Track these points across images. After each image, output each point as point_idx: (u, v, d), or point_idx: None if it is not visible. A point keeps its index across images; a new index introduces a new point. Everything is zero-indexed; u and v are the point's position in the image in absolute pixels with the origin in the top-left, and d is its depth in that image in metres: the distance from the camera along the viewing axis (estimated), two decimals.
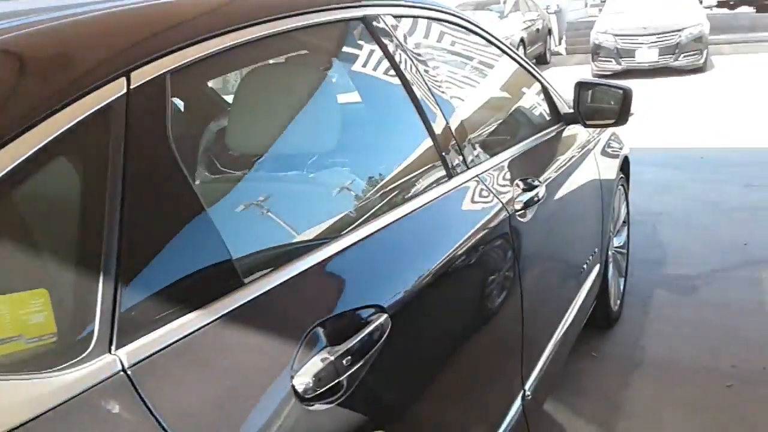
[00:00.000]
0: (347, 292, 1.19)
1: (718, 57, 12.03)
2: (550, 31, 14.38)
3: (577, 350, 2.58)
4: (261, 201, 1.31)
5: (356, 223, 1.31)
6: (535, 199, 1.81)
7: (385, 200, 1.46)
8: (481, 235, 1.58)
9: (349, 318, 1.13)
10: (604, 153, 2.85)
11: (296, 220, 1.28)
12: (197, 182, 1.29)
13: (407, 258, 1.37)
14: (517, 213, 1.75)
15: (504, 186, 1.78)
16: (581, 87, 2.35)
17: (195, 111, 1.71)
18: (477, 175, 1.70)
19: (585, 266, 2.49)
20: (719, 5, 17.10)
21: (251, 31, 1.18)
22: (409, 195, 1.49)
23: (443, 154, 1.61)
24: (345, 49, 1.63)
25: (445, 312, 1.45)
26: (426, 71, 1.67)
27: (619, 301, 3.23)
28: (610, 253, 3.01)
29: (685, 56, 11.02)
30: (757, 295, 3.34)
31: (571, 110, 2.42)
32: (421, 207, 1.46)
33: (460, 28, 2.05)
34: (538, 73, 2.42)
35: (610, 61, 11.39)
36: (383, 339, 1.14)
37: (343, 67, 1.67)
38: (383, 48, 1.55)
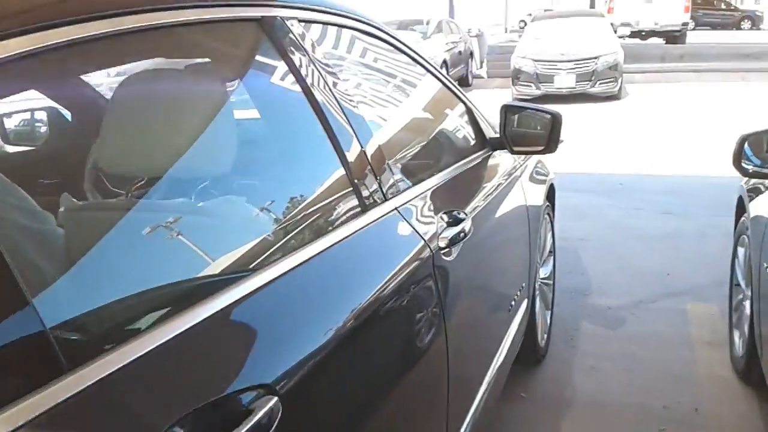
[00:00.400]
0: (224, 368, 0.92)
1: (632, 85, 12.37)
2: (471, 54, 14.50)
3: (505, 391, 2.39)
4: (124, 241, 1.02)
5: (243, 272, 1.04)
6: (461, 234, 1.59)
7: (283, 241, 1.20)
8: (400, 279, 1.34)
9: (224, 406, 0.86)
10: (530, 181, 2.69)
11: (162, 270, 1.00)
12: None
13: (308, 314, 1.11)
14: (442, 251, 1.52)
15: (427, 220, 1.56)
16: (508, 110, 2.16)
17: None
18: (396, 208, 1.46)
19: (513, 303, 2.30)
20: (632, 35, 17.73)
21: (103, 25, 0.91)
22: (313, 234, 1.24)
23: (356, 182, 1.36)
24: (236, 54, 1.35)
25: (357, 379, 1.19)
26: (337, 86, 1.43)
27: (546, 335, 3.07)
28: (536, 285, 2.85)
29: (601, 83, 11.26)
30: (683, 328, 3.25)
31: (498, 135, 2.24)
32: (327, 249, 1.20)
33: (379, 41, 1.83)
34: (462, 94, 2.23)
35: (530, 86, 11.52)
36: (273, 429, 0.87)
37: (234, 76, 1.41)
38: (285, 57, 1.30)
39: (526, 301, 2.51)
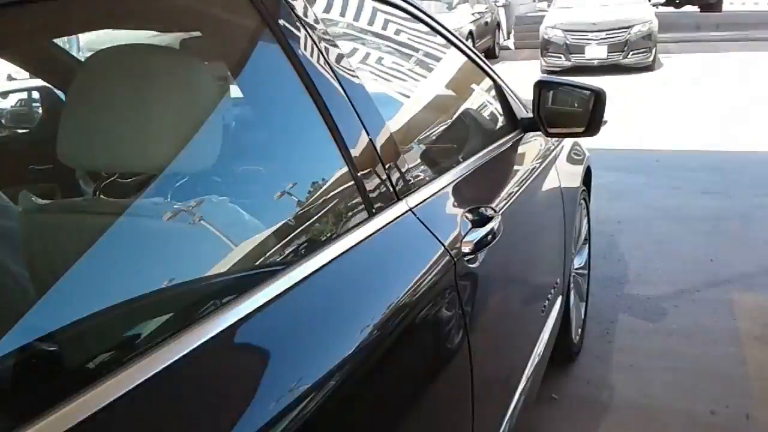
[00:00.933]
0: (230, 394, 0.74)
1: (666, 55, 11.88)
2: (498, 25, 14.10)
3: None
4: (99, 246, 0.84)
5: (229, 295, 0.84)
6: (489, 237, 1.36)
7: (276, 257, 0.99)
8: (413, 296, 1.11)
9: None
10: (566, 164, 2.44)
11: (135, 289, 0.80)
12: None
13: (306, 343, 0.90)
14: (466, 257, 1.30)
15: (448, 221, 1.33)
16: (542, 87, 1.91)
17: None
18: (411, 209, 1.23)
19: (547, 302, 2.07)
20: (666, 3, 17.09)
21: None
22: (306, 248, 1.02)
23: (360, 178, 1.13)
24: (218, 22, 1.13)
25: (369, 410, 0.98)
26: (340, 62, 1.20)
27: (580, 330, 2.84)
28: (571, 277, 2.61)
29: (634, 54, 10.83)
30: (729, 322, 2.99)
31: (530, 115, 1.99)
32: (321, 267, 0.98)
33: (391, 7, 1.58)
34: (490, 68, 1.98)
35: (560, 57, 11.12)
36: None
37: (211, 49, 1.19)
38: (272, 26, 1.07)
39: (560, 298, 2.28)
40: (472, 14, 12.32)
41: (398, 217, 1.18)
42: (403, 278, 1.12)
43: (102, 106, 1.00)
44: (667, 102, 8.33)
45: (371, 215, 1.12)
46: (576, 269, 2.82)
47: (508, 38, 15.19)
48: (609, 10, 11.27)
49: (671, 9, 17.16)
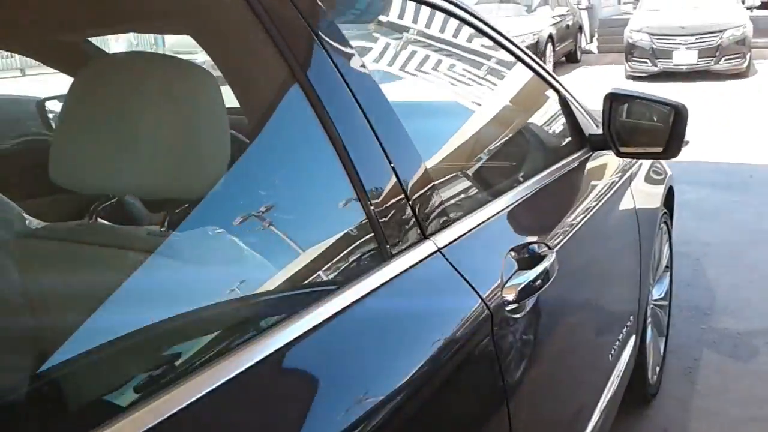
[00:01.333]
0: None
1: (761, 62, 11.11)
2: (580, 28, 13.62)
3: None
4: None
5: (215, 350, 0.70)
6: (539, 282, 1.13)
7: (269, 307, 0.82)
8: (437, 361, 0.91)
9: None
10: (644, 184, 2.16)
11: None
12: None
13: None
14: (508, 307, 1.07)
15: (486, 263, 1.11)
16: (614, 100, 1.65)
17: None
18: (439, 250, 1.02)
19: (617, 346, 1.80)
20: (761, 6, 16.09)
21: None
22: (304, 300, 0.83)
23: (377, 213, 0.93)
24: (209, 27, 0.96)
25: None
26: (355, 73, 1.00)
27: (658, 369, 2.53)
28: (648, 310, 2.32)
29: (726, 59, 10.17)
30: None
31: (600, 131, 1.74)
32: (322, 323, 0.79)
33: (431, 8, 1.37)
34: (554, 78, 1.73)
35: (645, 62, 10.55)
36: None
37: (219, 64, 1.02)
38: (267, 27, 0.89)
39: (633, 337, 2.01)
40: (552, 17, 11.90)
41: (424, 259, 0.97)
42: (418, 338, 0.91)
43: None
44: (762, 111, 7.73)
45: (386, 258, 0.92)
46: (655, 301, 2.53)
47: (591, 42, 14.65)
48: (699, 13, 10.64)
49: (767, 12, 16.13)
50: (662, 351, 2.61)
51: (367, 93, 0.99)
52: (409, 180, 1.01)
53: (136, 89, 0.88)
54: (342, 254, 0.91)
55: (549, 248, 1.21)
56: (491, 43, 1.51)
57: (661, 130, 1.66)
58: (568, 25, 12.62)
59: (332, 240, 0.91)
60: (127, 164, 0.85)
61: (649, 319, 2.36)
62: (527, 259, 1.16)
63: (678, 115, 1.59)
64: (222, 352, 0.70)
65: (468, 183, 1.31)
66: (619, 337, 1.81)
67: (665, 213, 2.51)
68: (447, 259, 1.01)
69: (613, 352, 1.77)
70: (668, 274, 2.72)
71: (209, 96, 0.88)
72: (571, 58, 12.81)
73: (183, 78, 0.90)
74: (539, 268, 1.14)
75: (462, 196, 1.22)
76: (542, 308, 1.18)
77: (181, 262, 0.88)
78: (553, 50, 11.43)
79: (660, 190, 2.42)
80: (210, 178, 0.88)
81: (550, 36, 11.36)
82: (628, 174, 1.98)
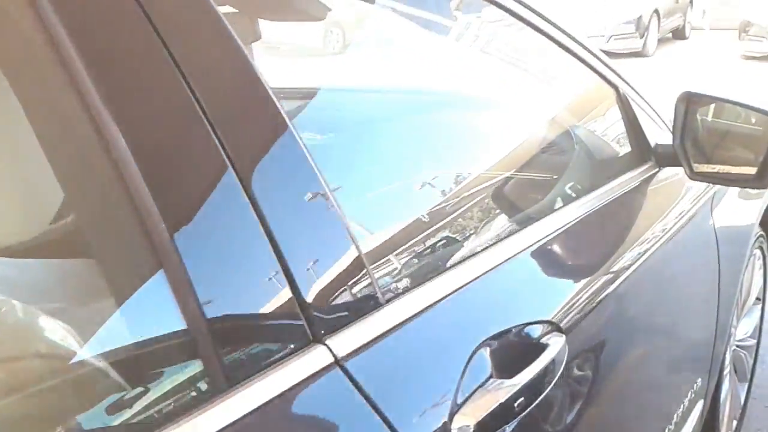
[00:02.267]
0: None
1: None
2: (691, 2, 12.58)
3: None
4: None
5: None
6: (531, 392, 0.75)
7: None
8: None
9: None
10: (735, 199, 1.72)
11: None
12: None
13: None
14: None
15: (427, 374, 0.74)
16: (690, 103, 1.22)
17: None
18: (337, 360, 0.65)
19: (675, 422, 1.39)
20: None
21: None
22: None
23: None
24: None
25: None
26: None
27: (735, 422, 2.08)
28: (728, 356, 1.88)
29: None
30: None
31: (671, 142, 1.31)
32: None
33: None
34: (615, 72, 1.31)
35: (761, 41, 9.52)
36: None
37: None
38: None
39: (701, 402, 1.58)
40: None
41: (315, 374, 0.61)
42: None
43: None
44: None
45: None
46: (739, 341, 2.07)
47: (703, 17, 13.53)
48: None
49: None
50: (742, 401, 2.15)
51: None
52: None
53: None
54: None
55: (557, 328, 0.83)
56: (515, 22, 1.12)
57: (755, 146, 1.22)
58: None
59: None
60: None
61: (728, 368, 1.91)
62: (512, 355, 0.78)
63: None
64: None
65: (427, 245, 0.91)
66: (678, 411, 1.39)
67: (761, 235, 2.04)
68: (349, 374, 0.64)
69: (672, 427, 1.36)
70: (759, 306, 2.24)
71: None
72: (678, 35, 11.88)
73: None
74: (533, 369, 0.76)
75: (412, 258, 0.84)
76: (546, 413, 0.81)
77: None
78: (658, 26, 10.55)
79: (756, 207, 1.94)
80: None
81: (656, 11, 10.49)
82: (709, 195, 1.54)
